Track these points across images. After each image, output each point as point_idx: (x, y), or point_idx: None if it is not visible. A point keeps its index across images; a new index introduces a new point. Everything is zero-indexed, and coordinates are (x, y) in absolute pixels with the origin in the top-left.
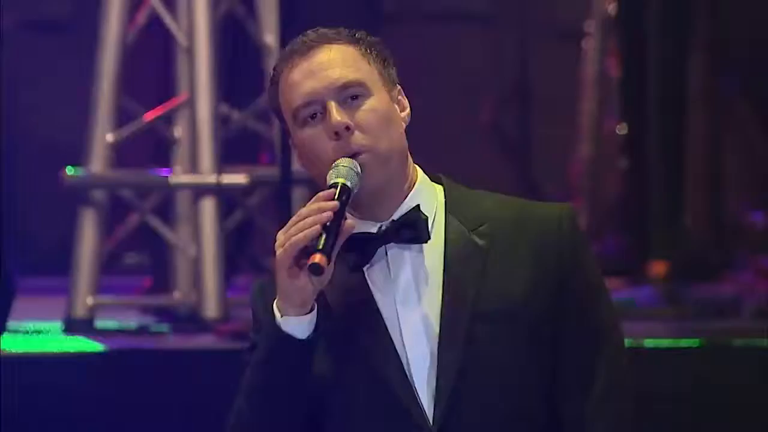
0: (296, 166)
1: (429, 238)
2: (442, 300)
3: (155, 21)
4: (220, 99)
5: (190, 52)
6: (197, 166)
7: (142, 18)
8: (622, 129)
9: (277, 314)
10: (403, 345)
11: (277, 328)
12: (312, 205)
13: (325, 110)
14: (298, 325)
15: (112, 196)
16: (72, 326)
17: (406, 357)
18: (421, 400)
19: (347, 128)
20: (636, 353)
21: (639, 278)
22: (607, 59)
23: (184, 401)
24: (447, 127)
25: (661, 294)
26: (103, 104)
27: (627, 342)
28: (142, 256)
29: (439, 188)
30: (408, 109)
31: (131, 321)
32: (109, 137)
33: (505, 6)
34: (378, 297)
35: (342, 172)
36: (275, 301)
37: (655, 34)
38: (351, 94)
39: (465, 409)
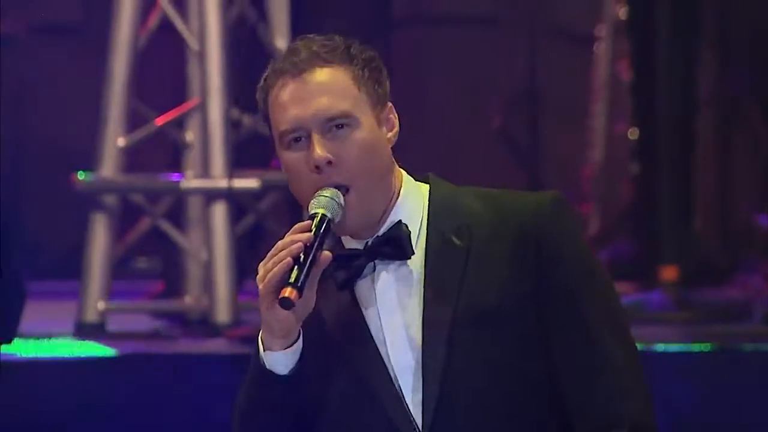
0: None
1: (413, 253)
2: (424, 308)
3: (166, 25)
4: (232, 103)
5: (202, 55)
6: (209, 170)
7: (153, 22)
8: (632, 133)
9: (261, 348)
10: (389, 357)
11: (260, 363)
12: (287, 238)
13: (309, 137)
14: (281, 359)
15: (123, 200)
16: (83, 331)
17: (393, 369)
18: (411, 410)
19: (329, 163)
20: (646, 357)
21: (649, 282)
22: (618, 63)
23: (195, 405)
24: (457, 131)
25: (672, 298)
26: (115, 108)
27: (638, 346)
28: (153, 261)
29: (426, 189)
30: (396, 128)
31: (142, 325)
32: (121, 142)
33: (516, 10)
34: (365, 311)
35: (323, 202)
36: (260, 333)
37: (665, 38)
38: (337, 124)
39: (452, 413)
